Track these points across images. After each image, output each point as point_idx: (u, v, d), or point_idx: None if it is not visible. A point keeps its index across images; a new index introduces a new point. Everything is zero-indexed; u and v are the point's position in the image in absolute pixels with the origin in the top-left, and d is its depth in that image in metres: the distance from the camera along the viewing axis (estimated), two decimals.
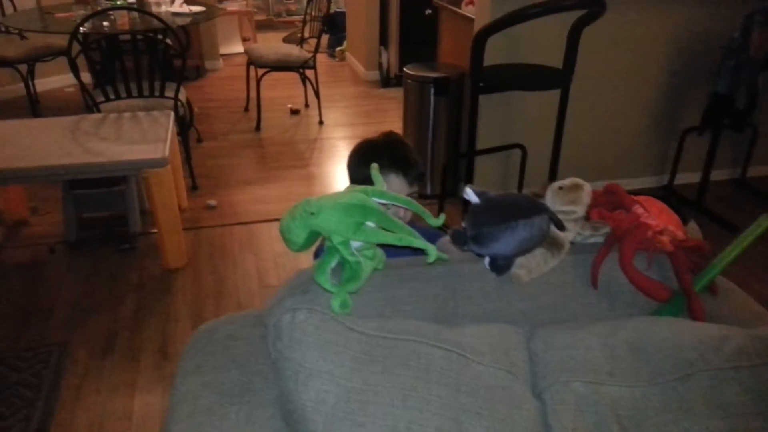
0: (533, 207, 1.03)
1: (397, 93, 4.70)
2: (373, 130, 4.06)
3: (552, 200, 1.16)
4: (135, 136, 2.50)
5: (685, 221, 3.02)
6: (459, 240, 1.05)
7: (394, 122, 4.15)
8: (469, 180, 2.67)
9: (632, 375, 0.88)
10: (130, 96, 2.89)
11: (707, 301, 1.14)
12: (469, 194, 1.07)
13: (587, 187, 1.16)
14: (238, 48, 5.94)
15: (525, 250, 1.05)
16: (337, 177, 3.45)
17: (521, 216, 1.00)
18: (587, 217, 1.19)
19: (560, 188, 1.17)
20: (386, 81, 5.06)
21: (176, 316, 2.22)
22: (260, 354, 1.04)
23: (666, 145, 3.19)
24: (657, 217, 1.13)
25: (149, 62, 2.91)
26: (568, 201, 1.15)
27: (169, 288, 2.38)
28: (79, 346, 2.07)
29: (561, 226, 1.09)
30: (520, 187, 2.98)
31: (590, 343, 0.95)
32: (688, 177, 3.19)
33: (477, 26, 2.66)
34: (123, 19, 3.30)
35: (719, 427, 0.79)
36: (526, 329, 1.04)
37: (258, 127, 4.07)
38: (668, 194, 3.18)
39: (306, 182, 3.33)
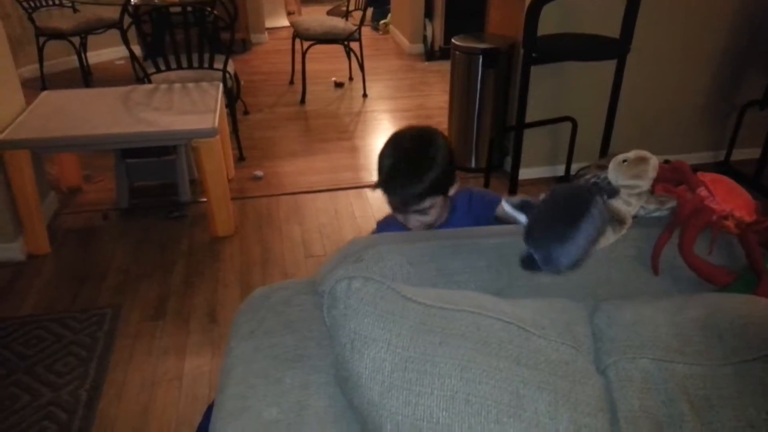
0: (583, 199, 0.98)
1: (441, 66, 4.63)
2: (416, 104, 4.03)
3: (615, 174, 1.11)
4: (185, 107, 2.53)
5: None
6: (531, 266, 0.99)
7: (438, 95, 4.09)
8: (517, 154, 2.61)
9: (704, 353, 0.84)
10: (180, 67, 2.92)
11: None
12: (510, 211, 1.04)
13: (653, 161, 1.11)
14: (283, 22, 5.92)
15: (597, 240, 1.01)
16: (380, 149, 3.42)
17: (579, 216, 0.95)
18: (652, 191, 1.13)
19: (624, 161, 1.11)
20: (431, 54, 4.97)
21: (224, 282, 2.26)
22: (314, 320, 1.04)
23: (724, 120, 3.04)
24: (723, 199, 1.07)
25: (198, 34, 2.93)
26: (632, 175, 1.10)
27: (217, 255, 2.42)
28: (131, 309, 2.13)
29: (614, 193, 1.05)
30: (569, 161, 2.91)
31: (657, 319, 0.91)
32: (746, 153, 3.05)
33: None
34: None
35: None
36: (588, 303, 1.00)
37: (303, 100, 4.07)
38: (725, 171, 3.04)
39: (350, 155, 3.32)
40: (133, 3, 2.99)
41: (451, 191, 1.30)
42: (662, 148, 3.03)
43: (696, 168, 3.13)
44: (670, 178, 1.15)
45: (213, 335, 1.99)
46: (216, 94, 2.65)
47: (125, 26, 2.90)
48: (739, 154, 3.06)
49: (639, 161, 1.12)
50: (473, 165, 3.07)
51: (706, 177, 1.13)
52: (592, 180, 1.14)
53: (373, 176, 3.06)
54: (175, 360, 1.89)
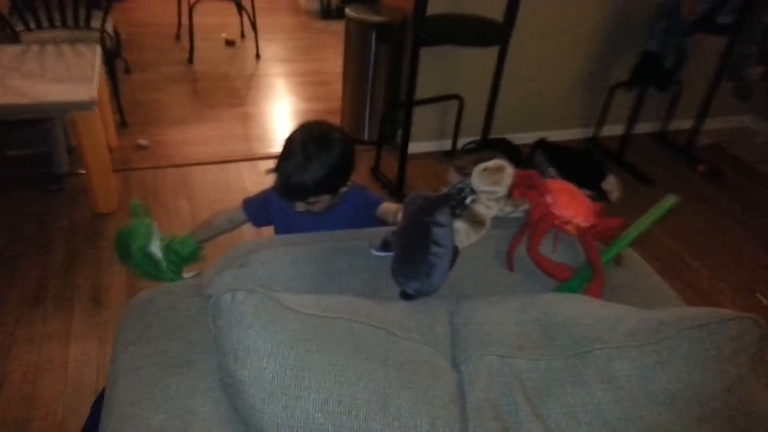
0: (423, 230, 1.07)
1: (338, 26, 4.55)
2: (312, 68, 4.01)
3: (477, 181, 1.23)
4: (60, 73, 2.37)
5: (604, 175, 3.20)
6: (409, 297, 1.10)
7: (334, 59, 4.07)
8: (406, 130, 2.71)
9: (539, 349, 1.00)
10: (53, 26, 2.70)
11: (613, 272, 1.28)
12: (376, 254, 1.15)
13: (509, 170, 1.24)
14: None
15: (453, 253, 1.12)
16: (274, 117, 3.40)
17: (425, 250, 1.05)
18: (509, 195, 1.27)
19: (485, 170, 1.24)
20: (327, 12, 4.91)
21: (108, 262, 2.21)
22: (199, 325, 1.09)
23: (595, 99, 3.32)
24: (565, 206, 1.23)
25: None
26: (492, 182, 1.23)
27: (100, 233, 2.35)
28: (9, 293, 2.04)
29: (460, 205, 1.18)
30: (456, 136, 3.06)
31: (504, 318, 1.06)
32: (613, 129, 3.35)
33: None
34: None
35: (607, 398, 0.92)
36: (451, 302, 1.13)
37: (191, 59, 3.91)
38: (593, 146, 3.34)
39: (242, 123, 3.27)
40: None
41: (342, 190, 1.38)
42: (541, 125, 3.27)
43: (569, 143, 3.39)
44: (524, 183, 1.29)
45: (98, 319, 1.97)
46: (94, 59, 2.50)
47: None
48: (607, 131, 3.36)
49: (497, 170, 1.25)
50: (366, 138, 3.15)
51: (553, 185, 1.28)
52: (459, 186, 1.27)
53: (267, 147, 3.06)
54: (60, 347, 1.86)
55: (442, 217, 1.10)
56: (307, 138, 1.31)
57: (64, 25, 2.73)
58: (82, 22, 2.75)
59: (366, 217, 1.41)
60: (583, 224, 1.27)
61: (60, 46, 2.58)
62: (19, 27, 2.70)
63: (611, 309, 1.06)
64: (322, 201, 1.37)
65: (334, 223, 1.39)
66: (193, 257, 1.49)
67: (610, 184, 2.93)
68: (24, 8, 2.76)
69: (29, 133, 2.60)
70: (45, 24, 2.71)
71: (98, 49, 2.59)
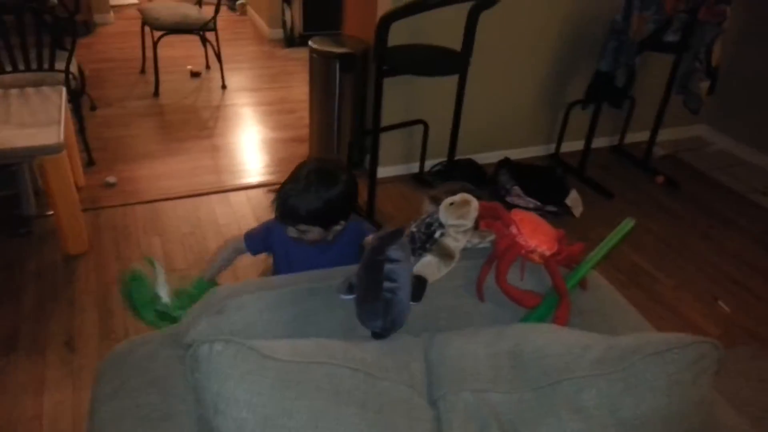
0: (379, 259, 1.11)
1: (303, 54, 4.61)
2: (278, 97, 4.04)
3: (444, 215, 1.28)
4: (25, 118, 2.35)
5: (567, 191, 3.29)
6: (379, 336, 1.13)
7: (300, 87, 4.12)
8: (374, 155, 2.76)
9: (512, 381, 1.04)
10: (15, 70, 2.68)
11: (579, 296, 1.33)
12: (345, 297, 1.19)
13: (474, 203, 1.29)
14: None
15: (411, 275, 1.16)
16: (243, 148, 3.42)
17: (381, 278, 1.09)
18: (476, 227, 1.32)
19: (451, 204, 1.28)
20: (291, 40, 4.95)
21: (81, 305, 2.19)
22: (178, 376, 1.10)
23: (554, 117, 3.43)
24: (529, 236, 1.29)
25: (36, 28, 2.69)
26: (458, 216, 1.28)
27: (71, 276, 2.33)
28: None
29: (429, 238, 1.24)
30: (423, 159, 3.12)
31: (477, 352, 1.10)
32: (572, 145, 3.46)
33: (380, 7, 2.69)
34: None
35: (580, 428, 0.97)
36: (425, 337, 1.17)
37: (156, 92, 3.90)
38: (555, 163, 3.44)
39: (211, 154, 3.28)
40: None
41: (336, 227, 1.43)
42: (504, 144, 3.36)
43: (532, 160, 3.48)
44: (489, 215, 1.34)
45: (72, 366, 1.94)
46: (60, 101, 2.49)
47: None
48: (567, 147, 3.46)
49: (463, 204, 1.29)
50: None
51: (517, 216, 1.34)
52: (427, 221, 1.31)
53: (237, 179, 3.07)
54: (34, 397, 1.83)
55: (395, 252, 1.13)
56: (314, 169, 1.38)
57: (27, 68, 2.71)
58: (46, 64, 2.74)
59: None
60: (548, 252, 1.32)
61: (24, 90, 2.57)
62: None
63: (578, 337, 1.11)
64: (313, 232, 1.41)
65: (332, 256, 1.45)
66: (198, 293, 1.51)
67: (573, 200, 3.03)
68: None
69: None
70: (8, 68, 2.69)
71: (64, 90, 2.58)
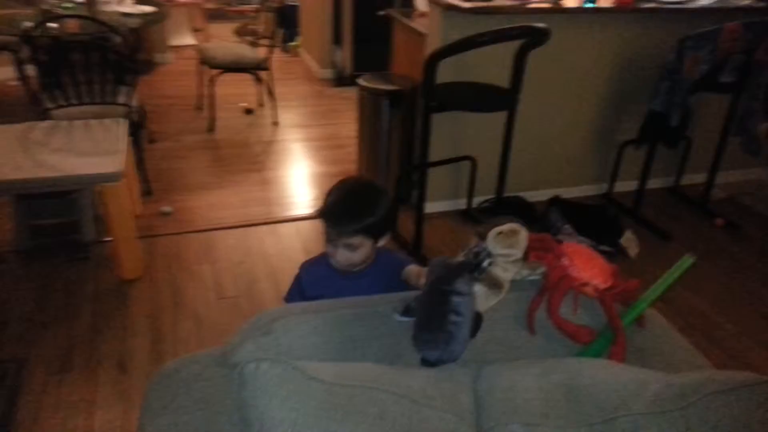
0: (442, 298, 1.09)
1: (352, 93, 4.73)
2: (328, 133, 4.13)
3: (492, 244, 1.26)
4: (88, 148, 2.48)
5: (621, 231, 3.20)
6: (431, 364, 1.11)
7: (349, 124, 4.19)
8: (422, 191, 2.77)
9: (564, 417, 0.99)
10: (81, 102, 2.85)
11: (635, 334, 1.28)
12: (399, 319, 1.18)
13: (524, 233, 1.27)
14: (189, 40, 5.83)
15: (472, 323, 1.13)
16: (292, 181, 3.49)
17: (443, 319, 1.07)
18: (525, 258, 1.30)
19: (500, 233, 1.27)
20: (340, 80, 5.09)
21: (134, 329, 2.25)
22: (224, 394, 1.11)
23: (606, 156, 3.37)
24: (582, 268, 1.25)
25: (100, 66, 2.87)
26: (507, 245, 1.26)
27: (125, 300, 2.40)
28: (36, 361, 2.07)
29: (477, 269, 1.20)
30: (470, 196, 3.11)
31: (528, 384, 1.06)
32: (626, 185, 3.39)
33: (428, 45, 2.75)
34: (72, 22, 3.22)
35: None
36: (473, 368, 1.14)
37: (211, 128, 4.06)
38: (608, 202, 3.37)
39: (261, 187, 3.36)
40: (26, 31, 2.87)
41: (381, 242, 1.45)
42: (553, 182, 3.32)
43: (583, 200, 3.40)
44: (539, 247, 1.32)
45: (123, 386, 1.98)
46: (121, 133, 2.61)
47: (23, 55, 2.80)
48: (620, 187, 3.39)
49: (512, 233, 1.27)
50: None
51: (568, 248, 1.30)
52: (475, 250, 1.30)
53: (286, 210, 3.13)
54: (85, 415, 1.87)
55: (462, 285, 1.12)
56: (357, 180, 1.53)
57: (92, 101, 2.87)
58: (108, 98, 2.90)
59: (396, 278, 1.45)
60: (602, 286, 1.28)
61: (88, 122, 2.71)
62: (49, 104, 2.84)
63: (635, 373, 1.06)
64: (364, 248, 1.40)
65: (366, 287, 1.44)
66: None
67: (628, 240, 2.94)
68: (53, 86, 2.92)
69: (58, 203, 2.69)
70: (73, 100, 2.85)
71: (125, 123, 2.71)
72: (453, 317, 1.07)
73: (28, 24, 2.93)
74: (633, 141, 3.19)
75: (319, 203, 1.43)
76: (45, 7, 3.33)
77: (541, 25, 2.19)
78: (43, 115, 2.83)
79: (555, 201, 3.11)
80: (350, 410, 0.96)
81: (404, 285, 1.45)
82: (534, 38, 2.23)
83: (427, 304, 1.12)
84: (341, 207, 1.38)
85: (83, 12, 3.38)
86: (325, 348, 1.17)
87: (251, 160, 3.69)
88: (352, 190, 1.43)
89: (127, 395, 1.96)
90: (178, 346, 2.15)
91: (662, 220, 3.19)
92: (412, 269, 1.45)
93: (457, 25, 2.56)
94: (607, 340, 1.23)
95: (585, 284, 1.28)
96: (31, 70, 2.97)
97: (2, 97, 4.29)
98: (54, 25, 3.12)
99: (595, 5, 2.91)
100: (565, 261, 1.30)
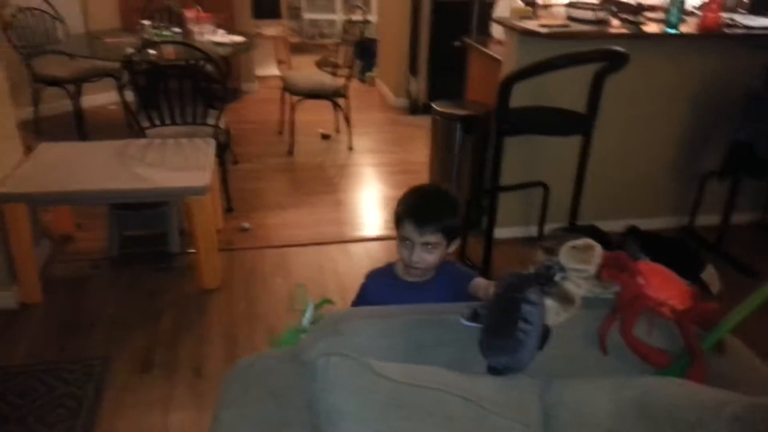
0: (513, 306, 1.10)
1: (425, 121, 4.81)
2: (400, 159, 4.22)
3: (565, 258, 1.25)
4: (178, 163, 2.66)
5: (702, 265, 3.05)
6: (498, 372, 1.10)
7: (421, 150, 4.25)
8: (492, 216, 2.76)
9: None
10: (173, 123, 3.06)
11: (715, 361, 1.23)
12: (466, 323, 1.18)
13: (598, 249, 1.25)
14: (274, 71, 6.13)
15: (542, 333, 1.13)
16: (364, 204, 3.58)
17: (513, 327, 1.08)
18: (598, 276, 1.28)
19: (573, 247, 1.26)
20: (414, 108, 5.19)
21: (210, 336, 2.35)
22: (295, 388, 1.15)
23: (686, 188, 3.24)
24: (658, 288, 1.22)
25: (192, 90, 3.08)
26: (581, 260, 1.25)
27: (203, 308, 2.52)
28: (119, 360, 2.21)
29: (548, 282, 1.19)
30: (542, 223, 3.07)
31: (599, 399, 1.04)
32: (708, 219, 3.24)
33: (504, 70, 2.78)
34: (169, 49, 3.49)
35: None
36: (541, 381, 1.13)
37: (291, 151, 4.23)
38: (688, 236, 3.23)
39: (334, 208, 3.47)
40: (128, 56, 3.14)
41: (451, 248, 1.48)
42: (629, 213, 3.22)
43: (662, 232, 3.25)
44: (613, 265, 1.29)
45: (197, 390, 2.07)
46: (208, 151, 2.78)
47: (123, 80, 3.05)
48: (702, 220, 3.25)
49: (586, 248, 1.26)
50: None
51: (643, 266, 1.27)
52: (547, 263, 1.29)
53: (357, 231, 3.21)
54: (160, 414, 1.97)
55: (532, 295, 1.12)
56: (431, 184, 1.50)
57: (183, 122, 3.08)
58: (199, 120, 3.10)
59: (460, 290, 1.46)
60: (679, 307, 1.24)
61: (179, 141, 2.91)
62: (145, 123, 3.07)
63: (714, 393, 1.02)
64: (439, 250, 1.44)
65: (430, 298, 1.46)
66: None
67: (710, 276, 2.80)
68: (150, 108, 3.15)
69: (148, 216, 2.88)
70: (167, 121, 3.07)
71: (212, 143, 2.89)
72: (523, 325, 1.08)
73: (130, 50, 3.19)
74: (716, 172, 3.06)
75: (394, 211, 1.48)
76: (146, 36, 3.63)
77: (619, 48, 2.18)
78: (139, 133, 3.06)
79: (632, 231, 3.01)
80: (416, 409, 0.98)
81: (470, 298, 1.46)
82: (612, 62, 2.22)
83: (497, 310, 1.12)
84: (424, 205, 1.44)
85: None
86: (392, 351, 1.20)
87: (326, 182, 3.82)
88: (431, 192, 1.52)
89: (201, 399, 2.04)
90: (252, 353, 2.22)
91: (747, 257, 3.01)
92: (480, 282, 1.46)
93: (534, 50, 2.58)
94: (684, 364, 1.18)
95: (661, 305, 1.24)
96: (129, 95, 3.24)
97: (103, 120, 4.66)
98: (152, 51, 3.39)
99: (678, 32, 2.85)
100: (641, 280, 1.27)
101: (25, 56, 4.07)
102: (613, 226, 3.15)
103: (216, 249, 2.64)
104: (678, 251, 2.93)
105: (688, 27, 2.93)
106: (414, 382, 1.02)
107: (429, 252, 1.43)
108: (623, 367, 1.20)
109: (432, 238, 1.41)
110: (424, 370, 1.07)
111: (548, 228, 3.11)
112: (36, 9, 4.29)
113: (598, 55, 2.27)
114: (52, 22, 4.39)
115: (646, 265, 1.31)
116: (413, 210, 1.44)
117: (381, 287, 1.53)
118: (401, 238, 1.45)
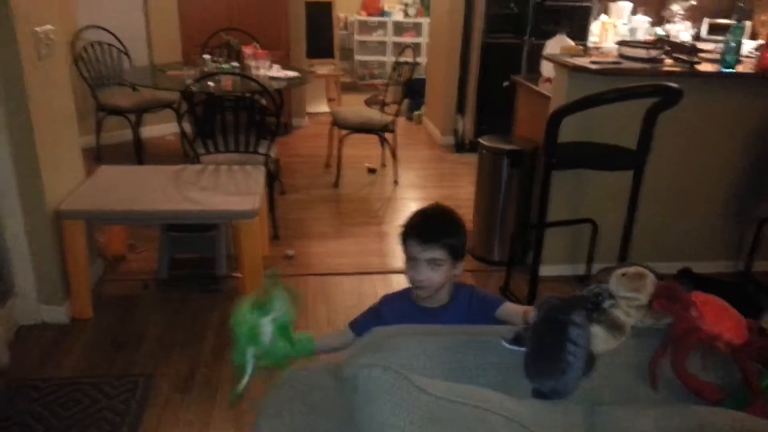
0: (558, 329, 1.07)
1: (471, 159, 4.83)
2: (445, 194, 4.22)
3: (616, 286, 1.22)
4: (230, 188, 2.74)
5: (761, 310, 2.91)
6: (543, 396, 1.08)
7: (466, 187, 4.26)
8: (538, 252, 2.72)
9: None
10: (227, 150, 3.17)
11: None
12: (508, 346, 1.16)
13: (651, 277, 1.22)
14: (324, 108, 6.31)
15: (588, 359, 1.10)
16: None
17: (560, 350, 1.05)
18: (650, 306, 1.24)
19: (623, 275, 1.23)
20: (461, 146, 5.22)
21: None
22: (335, 403, 1.14)
23: (743, 231, 3.13)
24: (713, 321, 1.17)
25: (247, 120, 3.20)
26: (632, 288, 1.21)
27: None
28: (162, 378, 2.24)
29: (597, 309, 1.16)
30: (590, 261, 3.00)
31: (646, 426, 1.00)
32: (766, 265, 3.10)
33: (553, 105, 2.78)
34: (227, 81, 3.65)
35: None
36: (586, 406, 1.09)
37: (337, 184, 4.30)
38: (745, 280, 3.09)
39: (377, 240, 3.48)
40: (188, 88, 3.29)
41: (457, 270, 1.49)
42: (681, 255, 3.12)
43: (715, 275, 3.14)
44: (665, 296, 1.25)
45: (237, 411, 2.08)
46: (259, 178, 2.86)
47: (181, 109, 3.20)
48: (760, 266, 3.11)
49: (638, 276, 1.23)
50: (496, 258, 3.19)
51: (698, 298, 1.23)
52: (596, 290, 1.26)
53: (399, 262, 3.20)
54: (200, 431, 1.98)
55: (578, 317, 1.10)
56: (434, 208, 1.58)
57: (236, 149, 3.19)
58: (251, 149, 3.20)
59: (481, 316, 1.44)
60: (736, 341, 1.18)
61: (231, 167, 3.00)
62: (200, 150, 3.19)
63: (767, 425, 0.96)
64: (444, 268, 1.44)
65: (446, 323, 1.44)
66: (295, 352, 1.52)
67: None
68: (206, 136, 3.28)
69: (198, 240, 2.97)
70: (221, 148, 3.18)
71: (263, 170, 2.98)
72: (571, 347, 1.05)
73: (189, 81, 3.35)
74: None
75: (400, 233, 1.53)
76: (206, 69, 3.80)
77: (673, 84, 2.15)
78: (194, 159, 3.18)
79: (685, 273, 2.91)
80: (457, 425, 0.96)
81: (496, 322, 1.44)
82: (665, 97, 2.19)
83: (543, 333, 1.10)
84: (428, 222, 1.49)
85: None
86: (434, 370, 1.18)
87: (370, 214, 3.86)
88: (436, 211, 1.54)
89: (239, 420, 2.05)
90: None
91: None
92: (513, 307, 1.45)
93: (584, 86, 2.57)
94: (740, 402, 1.12)
95: (716, 338, 1.19)
96: (186, 125, 3.38)
97: (161, 149, 4.87)
98: (211, 83, 3.54)
99: (734, 70, 2.80)
100: (695, 312, 1.22)
101: (92, 87, 4.33)
102: (664, 267, 3.03)
103: (261, 273, 2.68)
104: (735, 295, 2.80)
105: (744, 68, 2.88)
106: (455, 398, 1.00)
107: (433, 270, 1.44)
108: (674, 401, 1.15)
109: (436, 254, 1.43)
110: (465, 388, 1.05)
111: (596, 267, 3.04)
112: (105, 43, 4.58)
113: (650, 89, 2.25)
114: (119, 55, 4.67)
115: (700, 296, 1.26)
116: (417, 227, 1.48)
117: (398, 312, 1.54)
118: (407, 259, 1.49)
